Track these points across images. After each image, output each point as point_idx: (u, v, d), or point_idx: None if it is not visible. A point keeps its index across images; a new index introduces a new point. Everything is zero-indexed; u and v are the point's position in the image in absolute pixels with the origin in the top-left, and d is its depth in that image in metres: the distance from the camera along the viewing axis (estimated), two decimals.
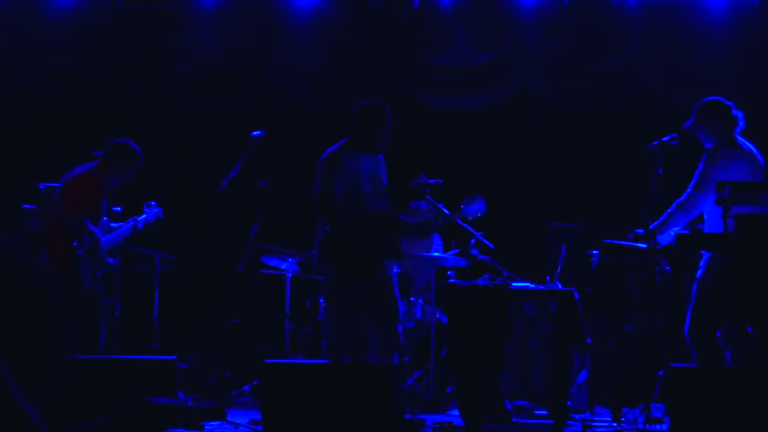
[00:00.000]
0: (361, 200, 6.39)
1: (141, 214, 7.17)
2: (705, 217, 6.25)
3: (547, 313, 6.38)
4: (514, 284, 6.61)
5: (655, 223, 6.21)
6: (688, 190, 6.23)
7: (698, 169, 6.25)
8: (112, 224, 7.06)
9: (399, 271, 8.15)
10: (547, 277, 6.86)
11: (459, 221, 6.76)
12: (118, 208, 7.21)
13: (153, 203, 7.22)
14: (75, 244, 6.68)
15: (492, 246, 7.22)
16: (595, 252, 6.45)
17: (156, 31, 9.47)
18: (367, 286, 6.36)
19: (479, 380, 6.38)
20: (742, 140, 6.31)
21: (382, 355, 6.40)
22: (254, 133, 7.10)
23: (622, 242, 6.36)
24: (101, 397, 5.65)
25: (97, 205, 6.81)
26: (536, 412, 7.03)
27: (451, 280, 7.30)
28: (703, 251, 6.19)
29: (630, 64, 9.19)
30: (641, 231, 6.19)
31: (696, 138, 6.37)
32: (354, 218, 6.36)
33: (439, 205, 6.99)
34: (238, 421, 6.65)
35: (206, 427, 6.52)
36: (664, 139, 6.28)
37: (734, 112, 6.32)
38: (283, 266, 8.47)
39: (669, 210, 6.25)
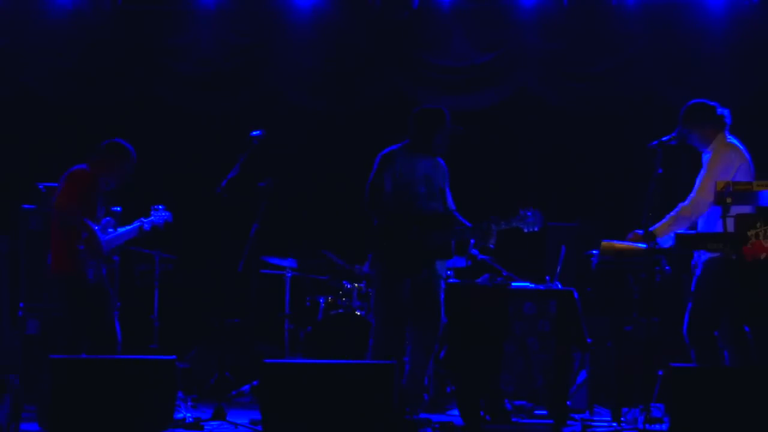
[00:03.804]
0: (412, 199, 6.54)
1: (147, 216, 7.18)
2: (704, 217, 6.24)
3: (547, 312, 6.38)
4: (513, 284, 6.61)
5: (657, 225, 6.20)
6: (692, 194, 6.21)
7: (701, 173, 6.23)
8: (119, 228, 7.07)
9: None
10: (547, 277, 6.86)
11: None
12: (118, 209, 7.21)
13: (160, 207, 7.23)
14: (78, 244, 6.69)
15: (492, 246, 7.22)
16: (594, 252, 6.45)
17: (156, 31, 9.46)
18: (413, 283, 6.49)
19: (479, 380, 6.38)
20: (735, 140, 6.29)
21: (416, 354, 6.47)
22: (254, 133, 7.11)
23: (621, 242, 6.36)
24: (102, 396, 5.66)
25: (91, 202, 6.80)
26: (536, 411, 7.02)
27: (451, 280, 7.30)
28: (701, 251, 6.18)
29: (630, 64, 9.19)
30: (641, 231, 6.18)
31: (690, 144, 6.37)
32: (404, 216, 6.49)
33: None
34: (237, 421, 6.65)
35: (206, 427, 6.52)
36: (664, 138, 6.27)
37: (719, 111, 6.32)
38: (283, 263, 8.48)
39: (672, 213, 6.23)
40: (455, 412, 7.06)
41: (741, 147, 6.27)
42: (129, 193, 7.44)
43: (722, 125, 6.29)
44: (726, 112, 6.31)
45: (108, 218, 7.02)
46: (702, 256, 6.18)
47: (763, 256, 5.65)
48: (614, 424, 6.69)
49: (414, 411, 6.47)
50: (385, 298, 6.51)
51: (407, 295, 6.49)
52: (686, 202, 6.23)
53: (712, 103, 6.33)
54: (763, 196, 5.75)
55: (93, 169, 6.87)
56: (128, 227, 7.06)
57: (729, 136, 6.30)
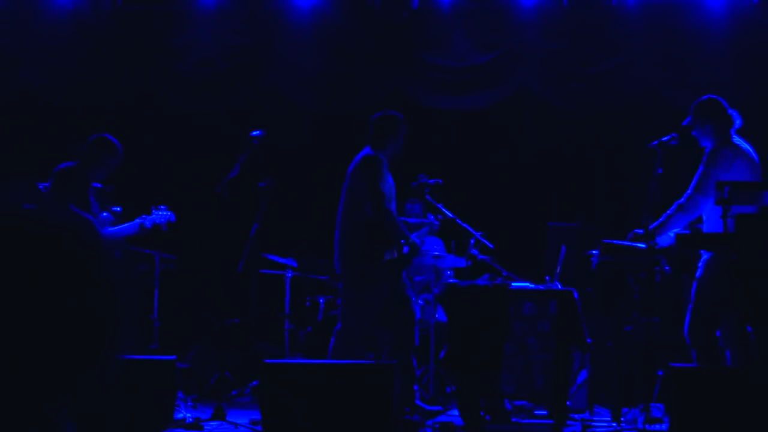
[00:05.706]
0: (393, 204, 6.69)
1: (149, 215, 7.18)
2: (704, 217, 6.25)
3: (547, 313, 6.37)
4: (513, 284, 6.61)
5: (655, 224, 6.21)
6: (689, 191, 6.22)
7: (699, 171, 6.24)
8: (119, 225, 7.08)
9: None
10: (547, 277, 6.85)
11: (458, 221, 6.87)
12: (118, 209, 7.21)
13: (162, 207, 7.24)
14: None
15: (492, 246, 7.22)
16: (594, 252, 6.45)
17: (156, 31, 9.47)
18: (392, 285, 6.61)
19: (479, 380, 6.38)
20: (740, 140, 6.30)
21: (395, 355, 6.50)
22: (254, 133, 7.11)
23: (621, 242, 6.36)
24: (102, 397, 5.65)
25: (80, 196, 6.83)
26: (536, 412, 7.02)
27: (451, 280, 7.30)
28: (702, 251, 6.19)
29: (630, 64, 9.19)
30: (641, 231, 6.18)
31: (694, 136, 6.38)
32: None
33: (439, 205, 7.01)
34: (237, 421, 6.65)
35: (206, 427, 6.52)
36: (664, 139, 6.28)
37: (729, 110, 6.32)
38: (284, 262, 8.49)
39: (669, 211, 6.24)
40: (455, 412, 7.06)
41: (744, 147, 6.27)
42: (129, 193, 7.44)
43: (729, 123, 6.29)
44: (734, 113, 6.31)
45: (107, 214, 7.02)
46: (703, 256, 6.19)
47: None
48: (614, 424, 6.69)
49: (413, 410, 6.48)
50: (366, 301, 6.58)
51: (386, 295, 6.61)
52: (683, 200, 6.23)
53: (723, 101, 6.34)
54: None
55: (80, 164, 6.91)
56: (129, 223, 7.08)
57: (735, 136, 6.30)
